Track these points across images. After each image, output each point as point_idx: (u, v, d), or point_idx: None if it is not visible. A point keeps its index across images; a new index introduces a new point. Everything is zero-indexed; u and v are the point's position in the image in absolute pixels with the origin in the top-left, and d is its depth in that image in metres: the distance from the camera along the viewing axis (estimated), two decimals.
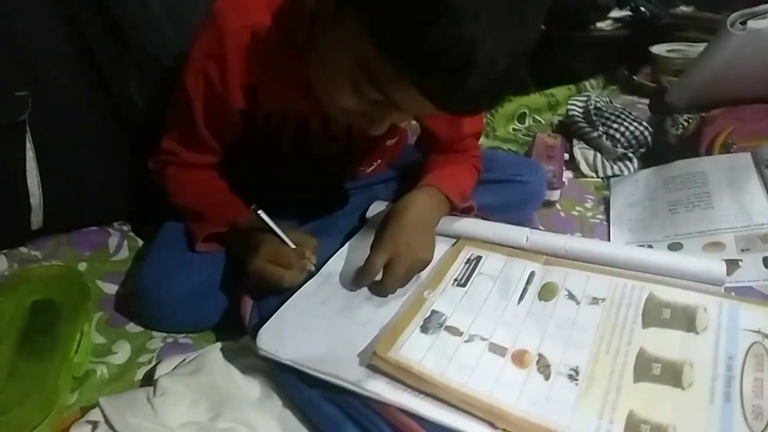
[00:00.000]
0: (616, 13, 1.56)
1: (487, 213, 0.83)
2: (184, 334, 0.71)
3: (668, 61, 1.58)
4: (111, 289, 0.79)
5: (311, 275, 0.68)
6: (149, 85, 0.84)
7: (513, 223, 0.83)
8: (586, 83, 1.55)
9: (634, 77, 1.62)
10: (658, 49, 1.63)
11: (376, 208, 0.82)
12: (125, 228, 0.90)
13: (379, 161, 0.89)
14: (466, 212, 0.79)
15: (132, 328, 0.72)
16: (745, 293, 0.75)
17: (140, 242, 0.88)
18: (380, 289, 0.66)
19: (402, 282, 0.66)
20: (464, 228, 0.78)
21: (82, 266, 0.81)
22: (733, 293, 0.69)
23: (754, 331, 0.55)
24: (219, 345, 0.66)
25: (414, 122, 0.82)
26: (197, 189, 0.76)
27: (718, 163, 0.97)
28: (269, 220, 0.65)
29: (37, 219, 0.78)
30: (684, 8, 3.09)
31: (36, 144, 0.73)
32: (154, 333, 0.71)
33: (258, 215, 0.64)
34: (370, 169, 0.89)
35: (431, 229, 0.73)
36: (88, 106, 0.79)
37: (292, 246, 0.65)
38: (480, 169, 0.85)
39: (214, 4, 0.66)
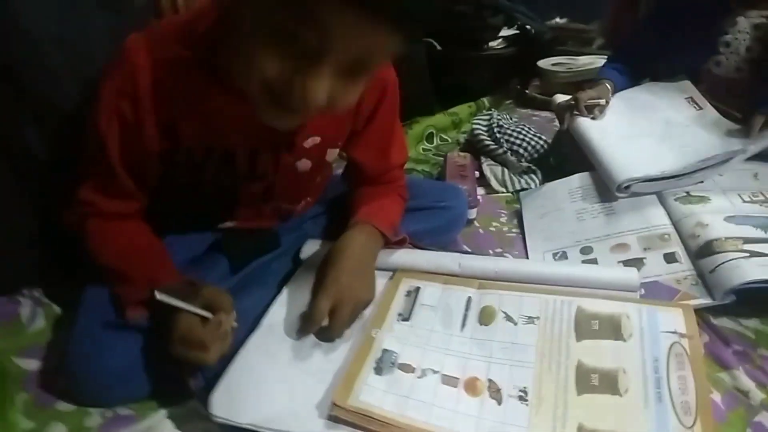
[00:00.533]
0: (505, 32, 1.66)
1: (416, 240, 0.85)
2: (123, 406, 0.67)
3: (553, 74, 1.71)
4: (31, 365, 0.72)
5: (246, 331, 0.66)
6: (50, 135, 0.78)
7: (439, 246, 0.87)
8: (484, 100, 1.64)
9: (527, 91, 1.73)
10: (544, 63, 1.76)
11: (310, 247, 0.82)
12: (36, 294, 0.83)
13: (308, 199, 0.89)
14: (400, 244, 0.81)
15: (63, 406, 0.67)
16: (652, 288, 0.82)
17: (56, 308, 0.81)
18: (327, 335, 0.66)
19: (348, 324, 0.67)
20: (399, 260, 0.80)
21: None
22: (643, 290, 0.77)
23: (672, 332, 0.62)
24: (165, 413, 0.63)
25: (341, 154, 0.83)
26: (119, 245, 0.70)
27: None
28: (173, 301, 0.58)
29: None
30: (559, 20, 3.36)
31: None
32: (90, 409, 0.66)
33: (159, 300, 0.57)
34: (299, 207, 0.88)
35: (371, 267, 0.74)
36: None
37: (206, 315, 0.60)
38: (405, 197, 0.88)
39: (125, 42, 0.63)
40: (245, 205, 0.80)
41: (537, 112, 1.67)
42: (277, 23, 0.49)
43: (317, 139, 0.74)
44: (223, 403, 0.57)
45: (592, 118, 1.16)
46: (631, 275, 0.72)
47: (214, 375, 0.62)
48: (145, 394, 0.67)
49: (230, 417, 0.56)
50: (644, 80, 1.32)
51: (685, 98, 1.21)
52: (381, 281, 0.76)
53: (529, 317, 0.67)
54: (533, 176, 1.22)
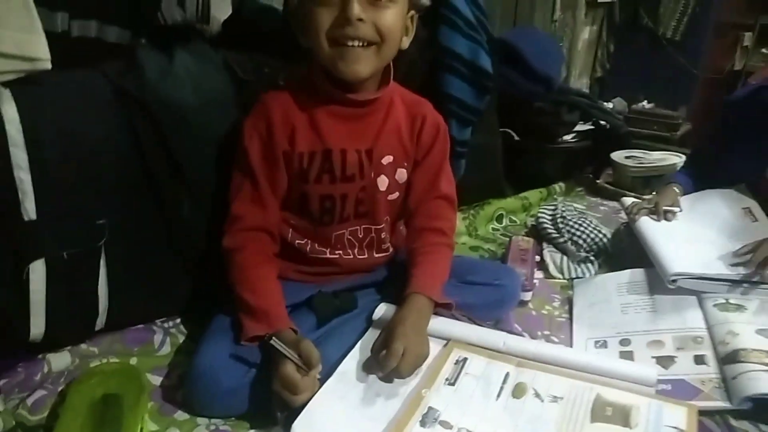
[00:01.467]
0: (580, 127, 1.81)
1: (470, 311, 1.01)
2: (223, 421, 0.86)
3: (625, 167, 1.82)
4: (157, 380, 0.94)
5: (325, 376, 0.84)
6: (200, 206, 1.02)
7: (492, 321, 1.03)
8: (555, 186, 1.78)
9: (597, 181, 1.85)
10: (617, 155, 1.88)
11: (381, 310, 1.00)
12: (166, 325, 1.06)
13: (390, 250, 1.09)
14: (447, 307, 0.98)
15: (180, 416, 0.87)
16: (678, 385, 0.91)
17: (180, 338, 1.04)
18: (397, 374, 0.84)
19: (412, 370, 0.85)
20: (454, 331, 0.95)
21: (134, 361, 0.96)
22: (666, 386, 0.88)
23: (673, 427, 0.73)
24: None
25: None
26: (255, 282, 0.91)
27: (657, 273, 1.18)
28: (283, 348, 0.79)
29: (101, 322, 0.94)
30: (646, 104, 3.45)
31: (108, 260, 0.91)
32: (199, 420, 0.86)
33: (272, 344, 0.79)
34: (380, 256, 1.08)
35: (425, 330, 0.92)
36: (149, 229, 0.97)
37: (304, 368, 0.79)
38: (452, 244, 1.06)
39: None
40: (340, 225, 1.01)
41: (606, 202, 1.79)
42: None
43: (391, 158, 1.00)
44: (303, 430, 0.74)
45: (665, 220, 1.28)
46: (650, 372, 0.83)
47: (296, 409, 0.80)
48: (242, 411, 0.86)
49: None
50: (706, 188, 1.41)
51: (743, 208, 1.30)
52: (436, 347, 0.91)
53: (555, 397, 0.80)
54: (590, 266, 1.33)
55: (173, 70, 1.00)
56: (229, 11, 1.26)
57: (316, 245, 1.03)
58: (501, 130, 1.73)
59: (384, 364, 0.84)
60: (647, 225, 1.28)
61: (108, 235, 0.90)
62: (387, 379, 0.85)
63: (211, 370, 0.84)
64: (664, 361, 0.97)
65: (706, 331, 1.01)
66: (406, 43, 0.96)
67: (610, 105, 3.52)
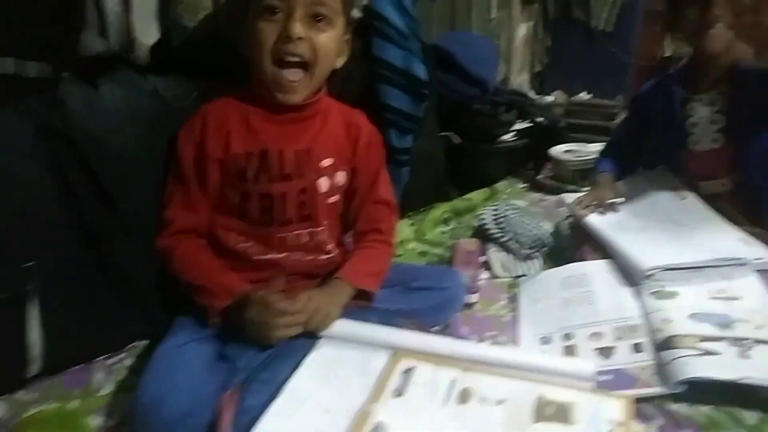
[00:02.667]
0: (519, 125, 1.85)
1: (417, 317, 1.03)
2: None
3: (564, 162, 1.88)
4: (99, 422, 0.90)
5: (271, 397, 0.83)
6: (134, 238, 1.00)
7: (440, 325, 1.07)
8: (499, 185, 1.82)
9: (538, 177, 1.90)
10: (556, 150, 1.94)
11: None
12: (109, 362, 1.03)
13: (333, 252, 1.10)
14: (367, 298, 1.02)
15: None
16: (618, 374, 0.94)
17: (123, 374, 1.01)
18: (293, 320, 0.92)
19: (314, 320, 0.93)
20: (399, 341, 0.96)
21: (74, 404, 0.93)
22: (608, 377, 0.91)
23: (612, 420, 0.76)
24: None
25: None
26: (200, 265, 0.97)
27: (599, 266, 1.21)
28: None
29: (36, 368, 0.91)
30: (585, 96, 3.54)
31: (42, 303, 0.88)
32: None
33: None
34: (325, 258, 1.09)
35: (337, 301, 0.98)
36: (84, 267, 0.94)
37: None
38: (389, 241, 1.13)
39: None
40: (283, 228, 1.03)
41: (547, 197, 1.83)
42: (261, 7, 0.92)
43: (330, 161, 1.05)
44: None
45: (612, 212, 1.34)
46: (587, 367, 0.86)
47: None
48: None
49: None
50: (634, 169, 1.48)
51: (670, 187, 1.36)
52: (383, 359, 0.92)
53: (500, 399, 0.82)
54: (534, 263, 1.37)
55: (99, 102, 0.98)
56: (156, 36, 1.24)
57: (262, 247, 1.04)
58: (442, 134, 1.76)
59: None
60: (598, 221, 1.32)
61: (39, 277, 0.87)
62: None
63: (157, 398, 0.81)
64: (605, 352, 1.01)
65: (643, 319, 1.06)
66: (339, 63, 1.05)
67: (551, 98, 3.64)
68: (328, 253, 1.10)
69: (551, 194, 1.83)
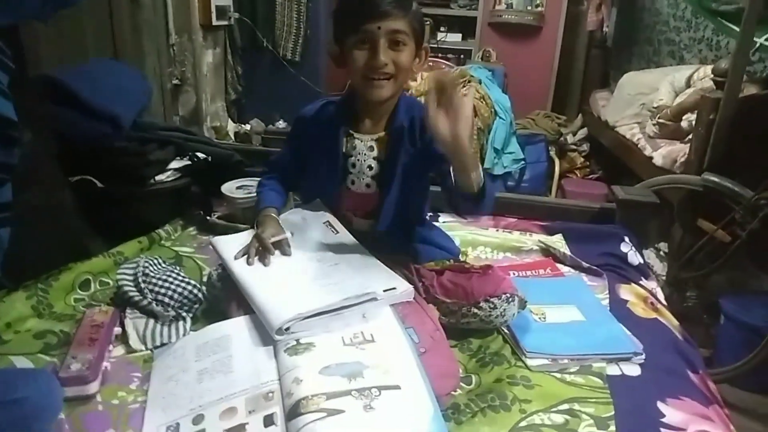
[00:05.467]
0: (177, 164, 1.66)
1: None
2: None
3: (234, 199, 1.74)
4: None
5: None
6: None
7: None
8: (160, 231, 1.59)
9: (208, 217, 1.72)
10: (227, 187, 1.78)
11: None
12: None
13: None
14: None
15: None
16: None
17: None
18: None
19: None
20: None
21: None
22: None
23: None
24: None
25: None
26: None
27: (241, 324, 1.08)
28: None
29: None
30: (281, 124, 3.53)
31: None
32: None
33: None
34: None
35: None
36: None
37: None
38: None
39: None
40: None
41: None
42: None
43: None
44: None
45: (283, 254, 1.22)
46: None
47: None
48: None
49: None
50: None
51: (324, 223, 1.32)
52: None
53: None
54: (181, 325, 1.18)
55: None
56: None
57: None
58: (80, 178, 1.47)
59: None
60: (241, 269, 1.18)
61: None
62: None
63: None
64: (236, 431, 0.87)
65: (277, 382, 0.95)
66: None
67: (248, 127, 3.56)
68: None
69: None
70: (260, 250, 1.22)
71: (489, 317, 1.15)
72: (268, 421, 0.89)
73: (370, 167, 1.30)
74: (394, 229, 1.31)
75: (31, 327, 1.20)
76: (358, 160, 1.30)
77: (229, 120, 3.38)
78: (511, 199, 1.93)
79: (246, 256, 1.21)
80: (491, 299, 1.14)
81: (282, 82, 3.53)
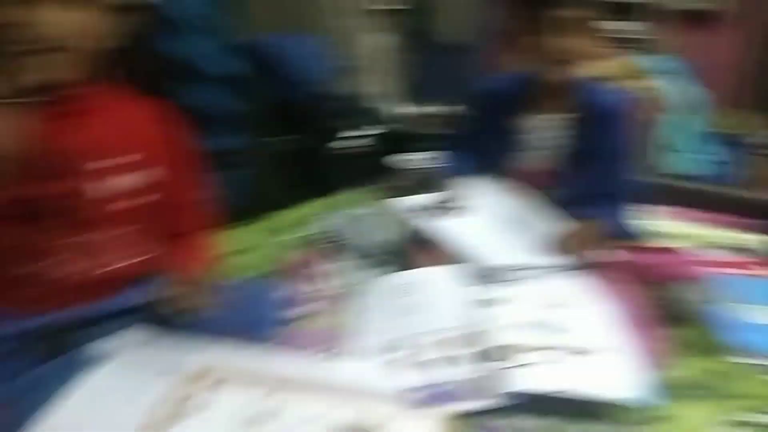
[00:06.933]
0: (359, 133, 1.81)
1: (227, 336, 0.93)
2: None
3: (407, 170, 1.85)
4: None
5: None
6: None
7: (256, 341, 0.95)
8: (338, 194, 1.76)
9: (381, 185, 1.84)
10: (399, 158, 1.90)
11: None
12: None
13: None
14: None
15: None
16: (438, 389, 0.89)
17: None
18: None
19: None
20: (208, 355, 0.87)
21: None
22: (421, 395, 0.87)
23: None
24: None
25: None
26: None
27: (437, 273, 1.20)
28: None
29: None
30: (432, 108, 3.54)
31: None
32: None
33: None
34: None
35: None
36: None
37: None
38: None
39: None
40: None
41: (391, 204, 1.78)
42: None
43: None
44: None
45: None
46: (403, 383, 0.82)
47: None
48: None
49: None
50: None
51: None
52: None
53: (304, 419, 0.75)
54: (376, 270, 1.30)
55: None
56: None
57: None
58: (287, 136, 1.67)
59: None
60: (449, 224, 1.31)
61: None
62: None
63: None
64: (427, 365, 0.96)
65: (470, 329, 1.03)
66: None
67: (426, 109, 3.65)
68: None
69: (395, 202, 1.78)
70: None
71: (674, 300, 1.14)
72: (461, 360, 0.96)
73: (550, 145, 1.34)
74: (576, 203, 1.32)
75: (260, 253, 1.41)
76: (536, 137, 1.35)
77: (406, 103, 3.50)
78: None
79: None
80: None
81: (455, 67, 3.58)
